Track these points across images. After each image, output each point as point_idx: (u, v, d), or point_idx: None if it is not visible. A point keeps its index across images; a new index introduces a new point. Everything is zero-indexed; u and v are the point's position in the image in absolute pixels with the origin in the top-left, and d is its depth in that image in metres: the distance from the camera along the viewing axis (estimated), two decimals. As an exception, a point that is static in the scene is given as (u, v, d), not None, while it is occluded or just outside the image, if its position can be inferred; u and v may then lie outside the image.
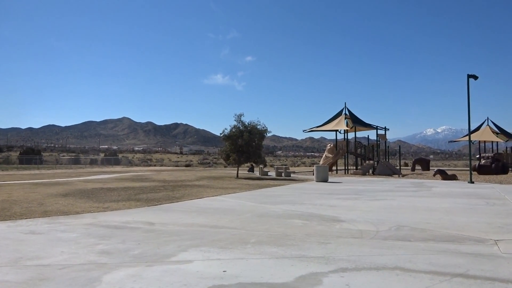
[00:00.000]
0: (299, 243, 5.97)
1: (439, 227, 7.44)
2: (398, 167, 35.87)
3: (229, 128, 26.54)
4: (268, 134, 27.75)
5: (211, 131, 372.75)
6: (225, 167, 53.35)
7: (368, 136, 40.04)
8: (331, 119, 37.80)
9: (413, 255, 5.25)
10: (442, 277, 4.26)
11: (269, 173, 30.60)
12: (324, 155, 38.57)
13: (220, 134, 26.99)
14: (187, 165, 62.91)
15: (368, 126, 38.09)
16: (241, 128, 26.29)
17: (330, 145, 39.04)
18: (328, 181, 22.61)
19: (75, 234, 6.65)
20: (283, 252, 5.39)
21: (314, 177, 23.58)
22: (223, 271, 4.46)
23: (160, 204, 11.03)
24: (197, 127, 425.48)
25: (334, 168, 36.81)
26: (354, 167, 38.74)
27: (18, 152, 77.62)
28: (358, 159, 38.60)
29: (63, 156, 74.61)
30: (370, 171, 33.00)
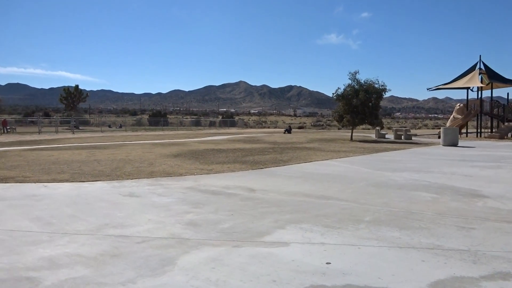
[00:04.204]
0: (430, 226, 4.58)
1: None
2: (547, 130, 30.18)
3: (342, 88, 24.64)
4: (387, 94, 25.19)
5: (324, 93, 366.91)
6: (338, 129, 51.40)
7: (508, 94, 34.23)
8: (462, 75, 32.99)
9: None
10: None
11: (386, 136, 28.19)
12: (451, 117, 34.24)
13: (333, 94, 25.11)
14: (300, 127, 62.14)
15: (509, 83, 32.44)
16: (356, 87, 24.15)
17: (459, 105, 34.42)
18: (458, 145, 19.70)
19: (169, 199, 6.19)
20: (408, 239, 4.09)
21: (440, 140, 20.79)
22: (326, 263, 3.39)
23: (265, 168, 10.29)
24: (311, 89, 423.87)
25: (463, 131, 32.53)
26: (489, 130, 33.77)
27: (148, 115, 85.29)
28: (494, 121, 33.46)
29: (186, 118, 79.82)
30: (510, 135, 28.34)
